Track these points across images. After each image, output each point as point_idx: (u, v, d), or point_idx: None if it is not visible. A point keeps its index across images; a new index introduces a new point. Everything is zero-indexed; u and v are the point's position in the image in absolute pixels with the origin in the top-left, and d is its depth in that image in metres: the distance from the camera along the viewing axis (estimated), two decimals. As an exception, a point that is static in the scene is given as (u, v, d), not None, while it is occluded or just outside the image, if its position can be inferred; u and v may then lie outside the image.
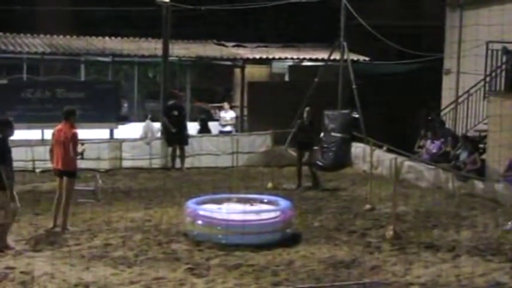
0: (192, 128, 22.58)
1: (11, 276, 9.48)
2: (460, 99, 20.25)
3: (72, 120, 12.52)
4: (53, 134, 12.57)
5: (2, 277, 9.41)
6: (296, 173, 17.32)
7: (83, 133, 13.06)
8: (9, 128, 11.09)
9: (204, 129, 23.45)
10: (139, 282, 9.33)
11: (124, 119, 24.72)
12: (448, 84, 21.63)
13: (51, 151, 12.47)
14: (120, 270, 9.90)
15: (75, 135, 12.34)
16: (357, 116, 20.57)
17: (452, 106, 20.69)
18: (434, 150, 18.69)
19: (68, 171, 12.40)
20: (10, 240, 11.10)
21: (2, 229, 10.90)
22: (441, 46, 22.21)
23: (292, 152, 18.77)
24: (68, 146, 12.23)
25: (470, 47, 19.90)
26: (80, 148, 12.39)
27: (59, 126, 12.54)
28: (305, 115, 17.37)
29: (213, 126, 24.43)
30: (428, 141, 19.06)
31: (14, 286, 9.07)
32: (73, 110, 12.74)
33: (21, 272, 9.67)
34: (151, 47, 25.01)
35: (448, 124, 20.30)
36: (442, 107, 21.36)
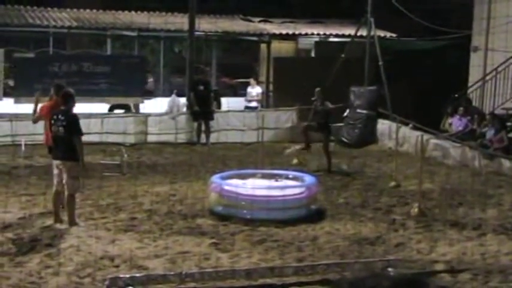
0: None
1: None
2: (488, 77, 20.05)
3: None
4: (42, 110, 11.93)
5: None
6: (324, 153, 16.88)
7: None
8: (72, 100, 11.04)
9: (216, 101, 23.29)
10: (164, 256, 9.37)
11: (149, 94, 24.74)
12: (475, 61, 21.40)
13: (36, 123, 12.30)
14: (145, 243, 9.95)
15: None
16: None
17: (479, 84, 20.49)
18: (460, 128, 18.57)
19: None
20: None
21: (72, 203, 10.87)
22: (469, 23, 21.95)
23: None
24: None
25: (500, 24, 19.66)
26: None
27: (49, 102, 11.90)
28: (316, 97, 16.82)
29: (238, 102, 24.39)
30: (455, 118, 18.92)
31: (40, 258, 9.15)
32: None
33: (47, 245, 9.76)
34: (177, 21, 24.98)
35: (475, 102, 20.12)
36: (469, 84, 21.17)
